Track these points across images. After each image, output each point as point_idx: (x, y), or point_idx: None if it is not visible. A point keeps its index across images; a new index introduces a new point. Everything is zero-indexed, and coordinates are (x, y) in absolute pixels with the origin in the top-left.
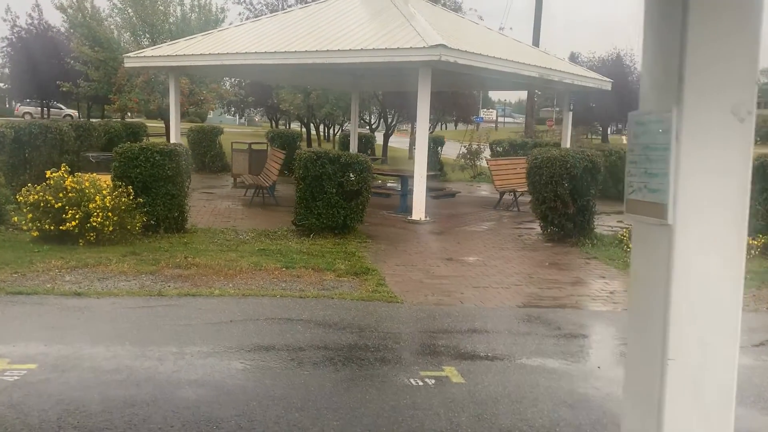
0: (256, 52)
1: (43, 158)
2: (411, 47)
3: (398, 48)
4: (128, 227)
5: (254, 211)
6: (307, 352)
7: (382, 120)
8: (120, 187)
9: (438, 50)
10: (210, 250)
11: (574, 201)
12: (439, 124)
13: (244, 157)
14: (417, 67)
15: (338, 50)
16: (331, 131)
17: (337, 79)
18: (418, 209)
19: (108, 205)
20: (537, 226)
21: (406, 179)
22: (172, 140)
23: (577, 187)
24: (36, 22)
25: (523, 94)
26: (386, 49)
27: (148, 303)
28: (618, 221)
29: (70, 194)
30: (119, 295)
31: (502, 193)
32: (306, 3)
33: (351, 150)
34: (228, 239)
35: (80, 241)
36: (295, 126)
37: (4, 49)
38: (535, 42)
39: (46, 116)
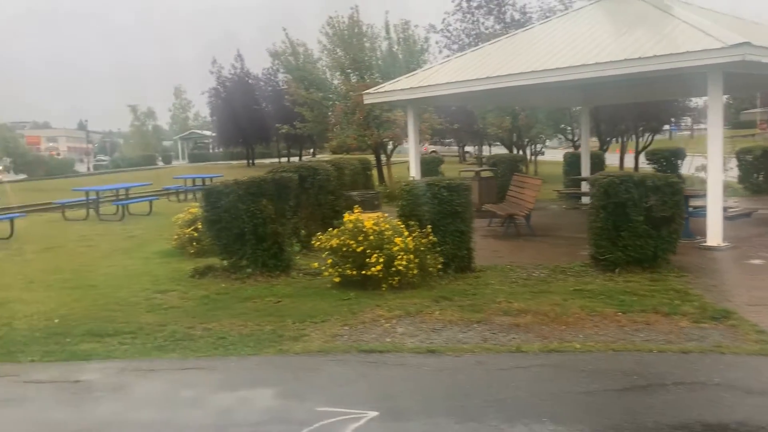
0: (509, 74)
1: (311, 200)
2: (702, 50)
3: (685, 52)
4: (430, 269)
5: (517, 243)
6: None
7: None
8: (413, 226)
9: (741, 49)
10: (519, 292)
11: None
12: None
13: (474, 185)
14: (704, 72)
15: (608, 62)
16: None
17: (563, 96)
18: (715, 233)
19: (410, 246)
20: None
21: (687, 198)
22: (412, 173)
23: None
24: (238, 71)
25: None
26: (669, 54)
27: (516, 362)
28: None
29: (370, 237)
30: (475, 352)
31: None
32: (504, 23)
33: (583, 169)
34: (524, 278)
35: (383, 286)
36: (488, 149)
37: (211, 99)
38: None
39: (251, 160)
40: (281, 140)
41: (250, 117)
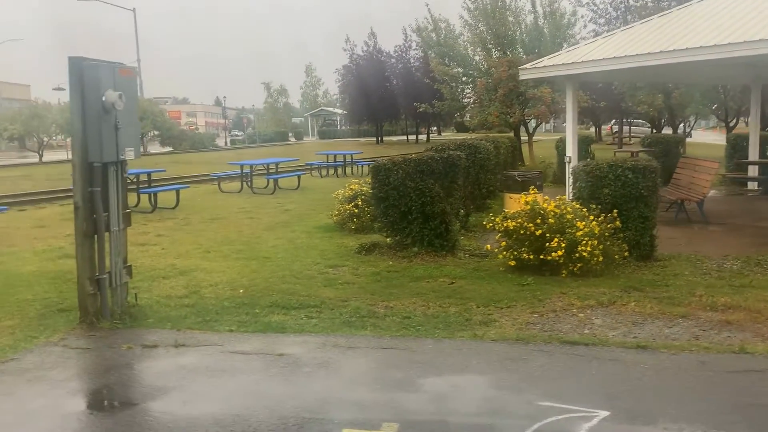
0: (687, 49)
1: (472, 179)
2: None
3: None
4: (615, 256)
5: (692, 230)
6: None
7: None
8: (595, 210)
9: None
10: (717, 285)
11: None
12: None
13: None
14: None
15: None
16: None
17: (732, 73)
18: None
19: (596, 232)
20: None
21: None
22: (568, 153)
23: None
24: (371, 48)
25: None
26: None
27: (745, 364)
28: None
29: (549, 220)
30: (692, 350)
31: None
32: None
33: (751, 152)
34: (715, 269)
35: (563, 272)
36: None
37: (342, 77)
38: None
39: (379, 137)
40: (409, 118)
41: (380, 95)
